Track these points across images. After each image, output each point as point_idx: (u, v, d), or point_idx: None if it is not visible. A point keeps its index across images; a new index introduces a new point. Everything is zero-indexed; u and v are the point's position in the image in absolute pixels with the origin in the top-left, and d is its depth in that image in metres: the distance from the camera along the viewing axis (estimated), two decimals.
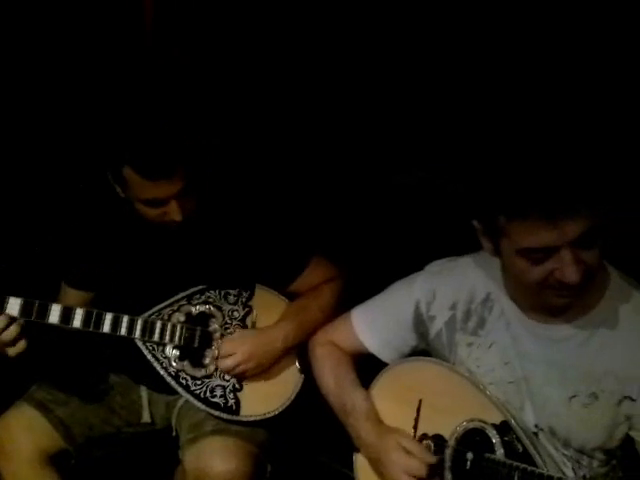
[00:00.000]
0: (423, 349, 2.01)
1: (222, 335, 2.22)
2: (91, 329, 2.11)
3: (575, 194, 1.54)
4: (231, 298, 2.26)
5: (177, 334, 2.19)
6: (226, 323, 2.24)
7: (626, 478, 1.85)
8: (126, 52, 2.82)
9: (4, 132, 2.81)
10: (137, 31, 2.86)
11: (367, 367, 2.07)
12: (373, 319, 2.04)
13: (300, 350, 2.22)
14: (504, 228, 1.61)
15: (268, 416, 2.18)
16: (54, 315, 2.08)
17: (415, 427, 1.90)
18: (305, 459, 2.51)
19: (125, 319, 2.14)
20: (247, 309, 2.27)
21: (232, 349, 2.16)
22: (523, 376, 1.80)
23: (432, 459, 1.81)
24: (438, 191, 2.60)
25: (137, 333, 2.15)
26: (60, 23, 2.81)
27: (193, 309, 2.23)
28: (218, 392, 2.19)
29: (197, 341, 2.20)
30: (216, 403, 2.17)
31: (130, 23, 2.85)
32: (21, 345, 2.02)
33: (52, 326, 2.09)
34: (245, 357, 2.15)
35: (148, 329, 2.17)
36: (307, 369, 2.19)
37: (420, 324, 1.97)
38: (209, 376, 2.20)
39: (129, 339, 2.15)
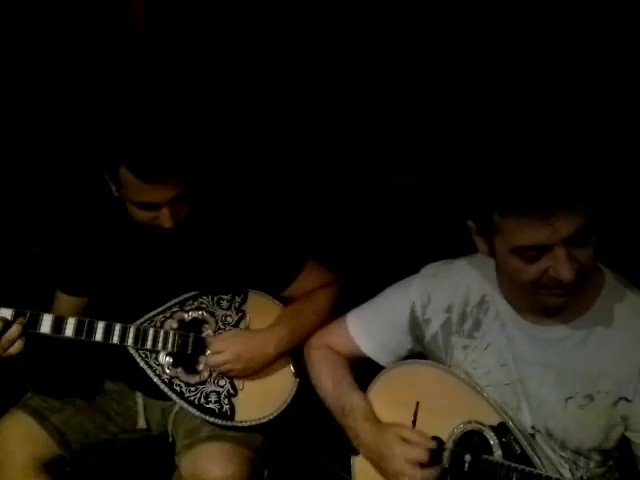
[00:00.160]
0: (419, 352, 2.01)
1: None
2: (83, 338, 2.10)
3: (569, 191, 1.55)
4: (224, 303, 2.25)
5: (170, 341, 2.18)
6: (219, 329, 2.23)
7: (623, 479, 1.87)
8: (123, 51, 2.80)
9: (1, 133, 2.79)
10: (129, 32, 2.84)
11: (364, 370, 2.07)
12: (369, 322, 2.04)
13: (295, 354, 2.22)
14: (498, 226, 1.61)
15: (263, 421, 2.18)
16: (46, 325, 2.07)
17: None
18: (302, 463, 2.51)
19: (117, 327, 2.13)
20: (240, 314, 2.26)
21: (222, 347, 2.16)
22: (519, 378, 1.80)
23: (432, 444, 1.81)
24: (436, 192, 2.60)
25: (130, 341, 2.15)
26: (56, 23, 2.79)
27: (186, 315, 2.22)
28: (212, 398, 2.18)
29: (190, 347, 2.20)
30: (211, 409, 2.17)
31: (122, 23, 2.83)
32: (19, 344, 2.01)
33: (45, 335, 2.08)
34: (233, 357, 2.14)
35: (141, 337, 2.16)
36: (302, 373, 2.19)
37: (416, 327, 1.97)
38: (203, 382, 2.19)
39: (122, 347, 2.14)
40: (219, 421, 2.16)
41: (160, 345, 2.17)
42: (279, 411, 2.19)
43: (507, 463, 1.71)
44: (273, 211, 2.33)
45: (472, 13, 2.48)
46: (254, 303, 2.27)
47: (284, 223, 2.31)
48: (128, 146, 1.98)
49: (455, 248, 1.94)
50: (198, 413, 2.16)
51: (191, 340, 2.20)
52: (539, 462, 1.70)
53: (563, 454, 1.79)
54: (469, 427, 1.81)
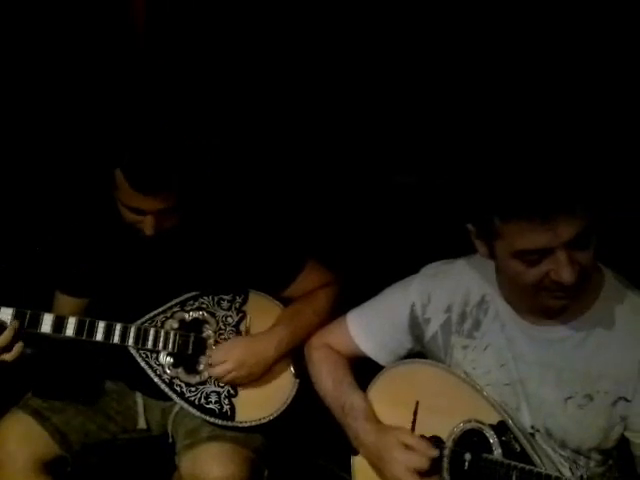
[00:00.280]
0: (419, 351, 2.02)
1: (216, 341, 2.22)
2: (84, 337, 2.10)
3: (569, 195, 1.55)
4: (225, 304, 2.26)
5: (171, 341, 2.19)
6: (220, 329, 2.23)
7: (622, 478, 1.87)
8: (123, 52, 2.81)
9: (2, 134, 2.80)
10: (129, 32, 2.84)
11: (364, 370, 2.07)
12: (369, 322, 2.05)
13: (295, 355, 2.22)
14: (499, 230, 1.62)
15: (264, 421, 2.18)
16: (46, 324, 2.08)
17: (412, 429, 1.90)
18: (302, 463, 2.51)
19: (118, 327, 2.14)
20: (241, 314, 2.26)
21: (223, 357, 2.15)
22: (519, 378, 1.81)
23: (433, 452, 1.81)
24: (436, 192, 2.61)
25: (130, 341, 2.15)
26: (55, 24, 2.79)
27: (186, 315, 2.22)
28: (213, 398, 2.18)
29: (191, 348, 2.20)
30: (211, 409, 2.17)
31: (122, 25, 2.84)
32: (17, 349, 2.01)
33: (45, 335, 2.08)
34: (236, 365, 2.14)
35: (141, 336, 2.16)
36: (302, 373, 2.19)
37: (416, 327, 1.97)
38: (203, 382, 2.19)
39: (123, 347, 2.15)
40: (219, 421, 2.16)
41: (161, 345, 2.18)
42: (279, 411, 2.19)
43: (507, 462, 1.71)
44: (273, 211, 2.33)
45: (473, 16, 2.49)
46: (255, 304, 2.28)
47: (284, 223, 2.31)
48: (128, 151, 1.98)
49: (455, 248, 1.94)
50: (198, 413, 2.16)
51: (192, 340, 2.20)
52: (539, 460, 1.70)
53: (563, 453, 1.80)
54: (469, 426, 1.81)
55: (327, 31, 2.70)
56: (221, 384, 2.19)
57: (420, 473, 1.79)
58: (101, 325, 2.12)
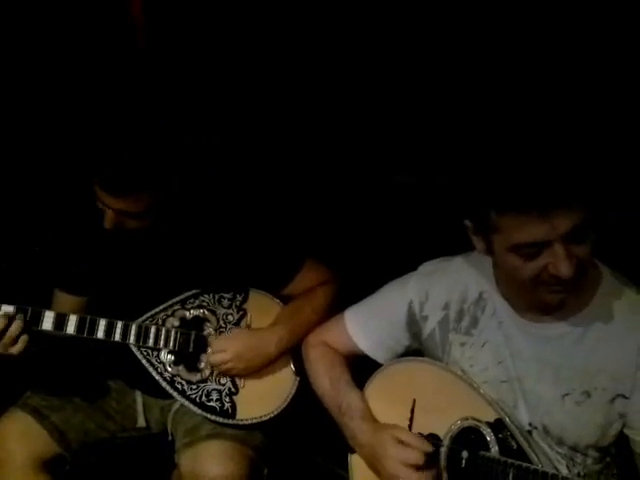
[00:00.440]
0: (416, 349, 2.02)
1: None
2: (85, 335, 2.11)
3: (566, 188, 1.55)
4: (225, 302, 2.27)
5: (172, 339, 2.20)
6: (220, 327, 2.24)
7: (620, 476, 1.86)
8: (121, 52, 2.81)
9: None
10: (129, 32, 2.85)
11: (361, 368, 2.07)
12: (366, 320, 2.05)
13: (295, 353, 2.23)
14: (496, 224, 1.61)
15: (264, 419, 2.19)
16: (47, 322, 2.08)
17: (410, 427, 1.90)
18: (301, 461, 2.51)
19: (119, 325, 2.15)
20: (241, 312, 2.27)
21: (224, 346, 2.17)
22: (516, 375, 1.81)
23: (427, 447, 1.80)
24: (436, 191, 2.61)
25: (131, 338, 2.16)
26: (54, 23, 2.81)
27: (187, 313, 2.23)
28: (214, 396, 2.19)
29: (192, 345, 2.21)
30: (212, 407, 2.18)
31: (122, 24, 2.85)
32: (23, 339, 2.02)
33: (46, 333, 2.09)
34: (235, 356, 2.15)
35: (142, 334, 2.17)
36: (302, 371, 2.19)
37: (413, 324, 1.97)
38: (205, 380, 2.20)
39: (124, 344, 2.16)
40: (220, 419, 2.17)
41: (162, 343, 2.19)
42: (280, 409, 2.20)
43: (504, 459, 1.71)
44: (272, 210, 2.34)
45: (469, 12, 2.49)
46: (255, 302, 2.29)
47: (283, 222, 2.32)
48: (102, 151, 2.00)
49: (453, 244, 1.94)
50: (200, 411, 2.17)
51: (192, 338, 2.21)
52: (536, 458, 1.70)
53: (560, 450, 1.79)
54: (466, 424, 1.81)
55: (327, 32, 2.70)
56: (222, 382, 2.20)
57: (416, 469, 1.79)
58: (102, 323, 2.13)
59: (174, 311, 2.22)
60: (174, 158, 2.08)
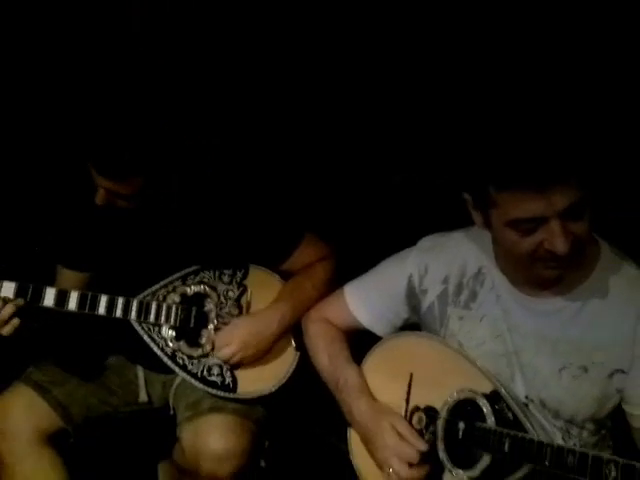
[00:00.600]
0: (414, 322, 2.03)
1: (217, 315, 2.24)
2: (86, 311, 2.13)
3: (564, 165, 1.55)
4: (225, 278, 2.28)
5: (173, 315, 2.21)
6: (221, 303, 2.26)
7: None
8: (118, 49, 2.81)
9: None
10: (127, 34, 2.85)
11: (361, 343, 2.08)
12: (366, 294, 2.06)
13: (295, 328, 2.24)
14: (494, 199, 1.62)
15: (265, 393, 2.20)
16: (49, 298, 2.10)
17: (407, 400, 1.91)
18: (302, 434, 2.54)
19: (120, 301, 2.16)
20: (242, 288, 2.28)
21: (229, 339, 2.18)
22: (514, 349, 1.81)
23: (424, 447, 1.81)
24: (435, 176, 2.61)
25: (133, 314, 2.17)
26: (52, 20, 2.81)
27: (188, 289, 2.24)
28: (215, 371, 2.21)
29: (193, 321, 2.23)
30: (213, 381, 2.19)
31: (119, 26, 2.84)
32: (13, 323, 2.03)
33: (48, 309, 2.11)
34: (241, 346, 2.16)
35: (144, 310, 2.18)
36: (303, 346, 2.20)
37: (412, 297, 1.98)
38: (206, 355, 2.22)
39: (125, 320, 2.17)
40: (222, 393, 2.18)
41: (163, 319, 2.20)
42: (281, 383, 2.22)
43: (500, 429, 1.72)
44: (271, 186, 2.35)
45: (467, 10, 2.49)
46: (255, 277, 2.30)
47: (282, 198, 2.33)
48: (97, 132, 2.01)
49: (453, 219, 1.94)
50: (201, 385, 2.19)
51: (193, 314, 2.23)
52: (531, 428, 1.71)
53: (556, 423, 1.80)
54: (462, 396, 1.81)
55: (326, 32, 2.69)
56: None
57: (409, 466, 1.80)
58: (103, 299, 2.14)
59: (175, 287, 2.23)
60: (168, 145, 2.09)
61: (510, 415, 1.74)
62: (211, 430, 2.12)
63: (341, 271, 2.25)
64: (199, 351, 2.22)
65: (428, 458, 1.82)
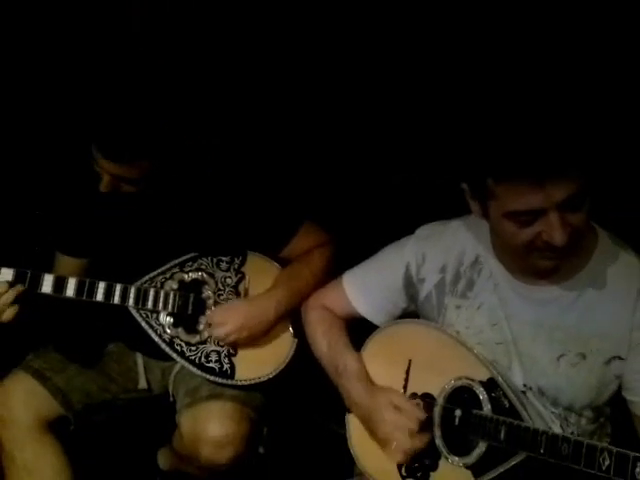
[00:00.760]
0: (413, 311, 2.03)
1: (215, 302, 2.25)
2: (84, 298, 2.13)
3: (562, 157, 1.55)
4: (223, 265, 2.28)
5: (170, 301, 2.21)
6: (219, 290, 2.26)
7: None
8: (120, 54, 2.80)
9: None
10: (127, 33, 2.84)
11: (359, 330, 2.09)
12: (364, 283, 2.06)
13: (293, 315, 2.24)
14: (492, 191, 1.62)
15: (263, 379, 2.21)
16: (47, 285, 2.10)
17: (405, 387, 1.92)
18: (301, 421, 2.55)
19: (118, 287, 2.16)
20: (239, 275, 2.28)
21: (224, 318, 2.18)
22: (511, 337, 1.81)
23: (422, 415, 1.83)
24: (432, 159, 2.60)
25: (130, 301, 2.17)
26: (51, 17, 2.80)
27: (186, 276, 2.24)
28: (213, 357, 2.21)
29: (191, 308, 2.23)
30: (211, 368, 2.20)
31: (119, 24, 2.83)
32: (11, 311, 2.04)
33: (46, 295, 2.11)
34: (237, 327, 2.16)
35: (141, 297, 2.18)
36: (300, 333, 2.21)
37: (410, 286, 1.98)
38: (204, 342, 2.22)
39: (123, 307, 2.17)
40: (219, 379, 2.19)
41: (161, 305, 2.20)
42: (278, 370, 2.22)
43: (496, 417, 1.72)
44: (269, 173, 2.34)
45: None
46: (253, 264, 2.29)
47: (280, 185, 2.33)
48: (103, 116, 2.02)
49: (451, 207, 1.93)
50: (199, 372, 2.19)
51: (191, 301, 2.23)
52: (527, 416, 1.71)
53: (554, 410, 1.80)
54: (459, 383, 1.82)
55: (326, 31, 2.68)
56: (221, 343, 2.22)
57: (409, 435, 1.81)
58: (101, 286, 2.15)
59: (173, 274, 2.23)
60: (172, 130, 2.09)
61: (506, 403, 1.74)
62: (210, 417, 2.12)
63: (341, 262, 2.23)
64: (197, 338, 2.22)
65: (428, 426, 1.83)
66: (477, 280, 1.88)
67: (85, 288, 2.13)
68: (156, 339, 2.20)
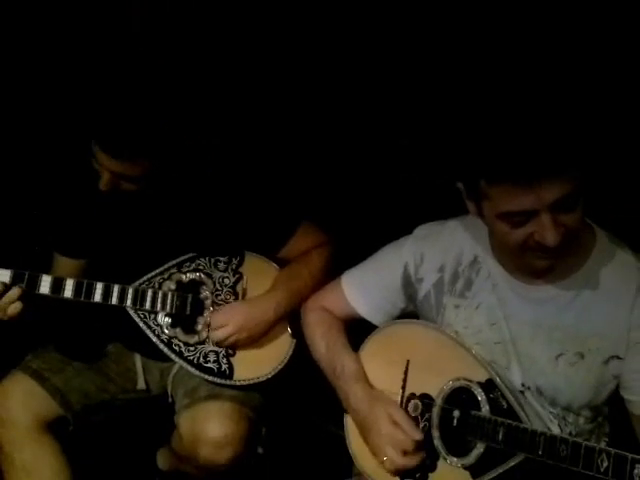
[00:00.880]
0: (412, 311, 2.03)
1: (213, 302, 2.24)
2: (82, 299, 2.12)
3: (553, 159, 1.55)
4: (221, 265, 2.27)
5: (168, 302, 2.21)
6: (217, 290, 2.26)
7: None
8: (120, 53, 2.80)
9: None
10: (127, 33, 2.84)
11: (358, 331, 2.09)
12: (363, 283, 2.06)
13: (291, 315, 2.24)
14: (485, 192, 1.62)
15: (261, 380, 2.21)
16: (45, 286, 2.10)
17: (403, 387, 1.92)
18: (299, 421, 2.55)
19: (116, 288, 2.16)
20: (237, 276, 2.28)
21: (224, 321, 2.18)
22: (510, 337, 1.81)
23: (419, 436, 1.82)
24: (431, 154, 2.60)
25: (128, 302, 2.17)
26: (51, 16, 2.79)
27: (184, 277, 2.24)
28: (211, 357, 2.21)
29: (189, 308, 2.23)
30: (210, 368, 2.20)
31: (119, 24, 2.82)
32: (16, 306, 2.03)
33: (44, 296, 2.10)
34: (236, 329, 2.17)
35: (139, 298, 2.18)
36: (299, 334, 2.21)
37: (409, 286, 1.98)
38: (202, 342, 2.22)
39: (121, 308, 2.17)
40: (218, 380, 2.19)
41: (159, 306, 2.20)
42: (276, 370, 2.22)
43: (494, 418, 1.72)
44: (267, 173, 2.34)
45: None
46: (251, 265, 2.29)
47: (278, 185, 2.32)
48: (104, 113, 2.01)
49: (449, 207, 1.93)
50: (197, 372, 2.19)
51: (189, 301, 2.23)
52: (525, 417, 1.71)
53: (553, 410, 1.81)
54: (458, 384, 1.82)
55: (326, 30, 2.68)
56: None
57: (403, 454, 1.81)
58: (99, 286, 2.14)
59: (170, 274, 2.23)
60: (173, 129, 2.08)
61: (504, 404, 1.74)
62: (208, 417, 2.12)
63: (339, 263, 2.23)
64: (195, 338, 2.22)
65: (423, 446, 1.83)
66: (475, 280, 1.88)
67: (83, 289, 2.13)
68: (154, 340, 2.20)
